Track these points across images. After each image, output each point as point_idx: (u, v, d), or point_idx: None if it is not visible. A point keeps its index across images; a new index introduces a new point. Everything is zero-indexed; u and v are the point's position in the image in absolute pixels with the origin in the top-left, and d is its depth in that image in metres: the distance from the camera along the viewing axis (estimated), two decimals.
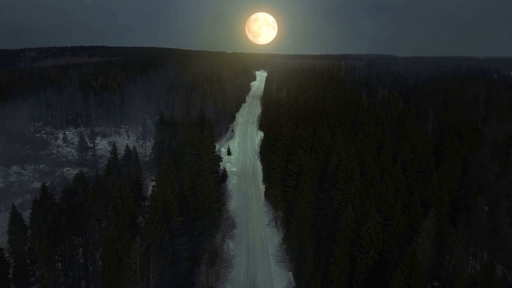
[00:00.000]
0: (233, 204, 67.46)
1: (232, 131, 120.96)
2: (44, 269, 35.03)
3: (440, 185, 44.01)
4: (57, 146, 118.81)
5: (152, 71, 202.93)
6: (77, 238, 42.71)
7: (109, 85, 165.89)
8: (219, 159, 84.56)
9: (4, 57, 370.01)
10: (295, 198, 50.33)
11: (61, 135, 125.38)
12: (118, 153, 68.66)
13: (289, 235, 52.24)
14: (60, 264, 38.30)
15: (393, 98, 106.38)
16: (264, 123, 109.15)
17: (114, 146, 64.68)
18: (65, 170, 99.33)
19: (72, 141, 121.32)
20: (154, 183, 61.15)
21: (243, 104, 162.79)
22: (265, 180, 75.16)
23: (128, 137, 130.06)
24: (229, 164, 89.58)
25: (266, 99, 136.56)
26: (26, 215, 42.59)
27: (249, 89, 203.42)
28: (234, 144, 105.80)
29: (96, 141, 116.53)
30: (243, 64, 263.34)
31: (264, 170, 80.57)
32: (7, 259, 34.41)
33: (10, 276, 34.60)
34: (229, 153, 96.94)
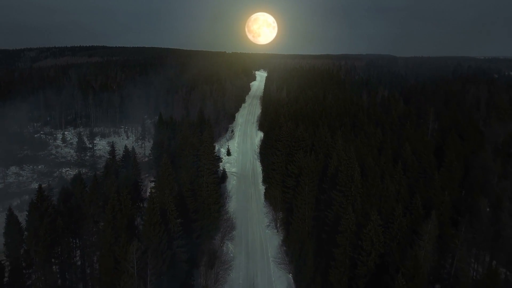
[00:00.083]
0: (233, 205, 66.94)
1: (232, 131, 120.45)
2: (40, 272, 34.50)
3: (441, 186, 43.49)
4: (56, 146, 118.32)
5: (151, 71, 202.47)
6: (74, 241, 42.18)
7: (109, 85, 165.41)
8: (219, 159, 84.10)
9: (4, 57, 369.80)
10: (295, 199, 49.86)
11: (60, 136, 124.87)
12: (117, 153, 68.22)
13: (289, 236, 51.76)
14: (56, 267, 37.77)
15: (394, 98, 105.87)
16: (264, 123, 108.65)
17: (112, 147, 64.13)
18: (64, 171, 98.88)
19: (71, 141, 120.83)
20: (153, 184, 60.65)
21: (243, 104, 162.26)
22: (265, 181, 74.64)
23: (128, 137, 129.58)
24: (228, 164, 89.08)
25: (266, 99, 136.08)
26: (24, 216, 42.10)
27: (249, 89, 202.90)
28: (233, 145, 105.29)
29: (95, 142, 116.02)
30: (243, 64, 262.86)
31: (263, 170, 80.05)
32: (3, 262, 33.92)
33: (6, 279, 34.10)
34: (228, 153, 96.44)
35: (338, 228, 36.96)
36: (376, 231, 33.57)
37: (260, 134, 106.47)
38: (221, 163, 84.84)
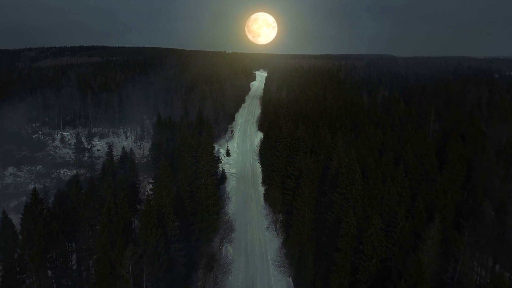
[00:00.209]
0: (232, 206, 66.19)
1: (232, 131, 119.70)
2: (34, 277, 33.73)
3: (444, 189, 42.72)
4: (54, 147, 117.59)
5: (151, 71, 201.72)
6: (70, 244, 41.42)
7: (108, 86, 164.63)
8: (218, 160, 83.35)
9: (3, 57, 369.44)
10: (295, 201, 49.13)
11: (58, 136, 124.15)
12: (116, 155, 67.43)
13: (289, 239, 51.03)
14: (51, 272, 36.98)
15: (394, 99, 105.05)
16: (263, 124, 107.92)
17: (109, 148, 63.29)
18: (62, 172, 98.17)
19: (69, 142, 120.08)
20: (151, 185, 59.88)
21: (242, 105, 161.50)
22: (265, 182, 73.88)
23: (127, 138, 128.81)
24: (228, 165, 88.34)
25: (266, 100, 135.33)
26: (20, 219, 41.29)
27: (248, 89, 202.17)
28: (233, 145, 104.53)
29: (93, 142, 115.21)
30: (243, 64, 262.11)
31: (263, 171, 79.31)
32: None
33: None
34: (228, 154, 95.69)
35: (338, 231, 36.20)
36: (378, 235, 32.81)
37: (260, 135, 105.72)
38: (220, 164, 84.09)
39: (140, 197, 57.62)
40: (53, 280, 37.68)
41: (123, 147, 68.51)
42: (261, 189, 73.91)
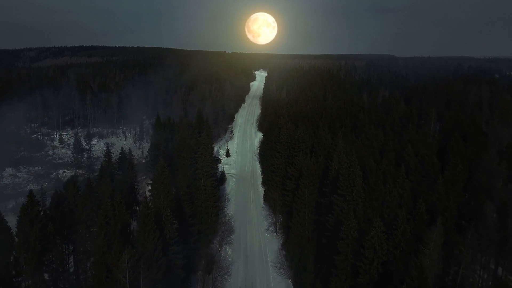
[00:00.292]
0: (231, 208, 65.71)
1: (231, 132, 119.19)
2: (30, 280, 33.22)
3: (445, 191, 42.20)
4: (53, 147, 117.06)
5: (151, 71, 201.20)
6: (67, 247, 40.90)
7: (107, 86, 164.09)
8: (217, 161, 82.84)
9: (3, 57, 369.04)
10: (295, 202, 48.66)
11: (57, 136, 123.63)
12: (115, 155, 66.98)
13: (289, 240, 50.56)
14: (48, 275, 36.47)
15: (395, 99, 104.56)
16: (263, 124, 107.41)
17: (107, 148, 62.75)
18: (60, 172, 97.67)
19: (68, 142, 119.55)
20: (150, 187, 59.39)
21: (242, 105, 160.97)
22: (264, 182, 73.39)
23: (126, 138, 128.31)
24: (227, 166, 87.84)
25: (266, 100, 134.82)
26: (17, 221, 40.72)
27: (248, 89, 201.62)
28: (233, 145, 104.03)
29: (92, 143, 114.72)
30: (243, 64, 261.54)
31: (263, 172, 78.83)
32: None
33: None
34: (227, 154, 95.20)
35: (339, 233, 35.70)
36: (379, 238, 32.30)
37: (260, 135, 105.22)
38: (220, 165, 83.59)
39: (139, 198, 57.14)
40: (50, 284, 37.19)
41: (122, 148, 67.96)
42: (261, 190, 73.42)
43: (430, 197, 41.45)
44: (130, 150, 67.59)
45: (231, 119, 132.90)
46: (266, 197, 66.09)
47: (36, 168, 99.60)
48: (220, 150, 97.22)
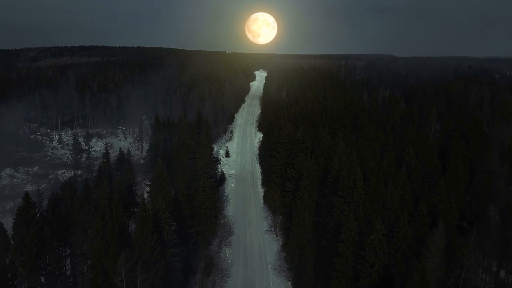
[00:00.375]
0: (231, 209, 65.19)
1: (231, 132, 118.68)
2: (26, 284, 32.73)
3: (447, 192, 41.69)
4: (52, 147, 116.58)
5: (150, 71, 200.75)
6: (63, 249, 40.40)
7: (107, 86, 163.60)
8: (217, 161, 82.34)
9: (3, 57, 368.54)
10: (295, 204, 48.18)
11: (56, 137, 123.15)
12: (113, 156, 66.44)
13: (288, 242, 50.04)
14: (44, 278, 35.97)
15: (395, 99, 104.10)
16: (263, 124, 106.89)
17: (106, 149, 62.18)
18: (59, 173, 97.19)
19: (67, 142, 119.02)
20: (148, 188, 58.89)
21: (242, 105, 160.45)
22: (264, 183, 72.90)
23: (125, 138, 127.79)
24: (227, 166, 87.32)
25: (266, 100, 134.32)
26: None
27: (248, 89, 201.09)
28: (232, 146, 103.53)
29: (91, 143, 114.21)
30: (243, 64, 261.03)
31: (263, 173, 78.33)
32: None
33: None
34: (227, 155, 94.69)
35: (339, 236, 35.20)
36: (380, 240, 31.81)
37: (260, 135, 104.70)
38: (219, 165, 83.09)
39: (137, 199, 56.64)
40: (47, 287, 36.69)
41: (120, 149, 67.42)
42: (261, 191, 72.94)
43: (432, 199, 40.95)
44: (129, 151, 67.04)
45: (231, 119, 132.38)
46: (266, 198, 65.60)
47: (35, 169, 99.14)
48: (219, 150, 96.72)
